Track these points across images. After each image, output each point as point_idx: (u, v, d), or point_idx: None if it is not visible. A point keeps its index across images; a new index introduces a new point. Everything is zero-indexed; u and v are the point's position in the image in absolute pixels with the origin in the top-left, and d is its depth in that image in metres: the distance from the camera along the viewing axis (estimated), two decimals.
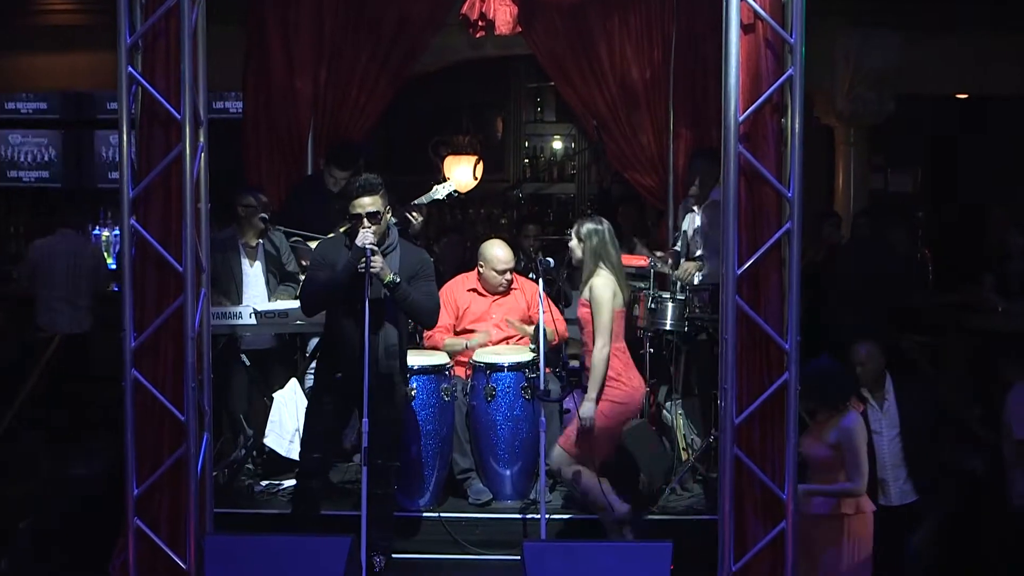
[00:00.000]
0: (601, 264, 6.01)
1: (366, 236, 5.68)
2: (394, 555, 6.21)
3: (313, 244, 6.86)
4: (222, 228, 7.25)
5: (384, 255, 5.82)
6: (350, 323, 5.78)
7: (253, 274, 7.18)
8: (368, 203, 5.75)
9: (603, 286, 5.95)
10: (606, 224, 6.11)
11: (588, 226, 6.07)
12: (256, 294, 7.11)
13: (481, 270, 7.18)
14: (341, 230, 6.61)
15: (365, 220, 5.73)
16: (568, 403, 6.78)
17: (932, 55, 10.23)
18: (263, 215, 7.09)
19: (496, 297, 7.19)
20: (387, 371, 5.89)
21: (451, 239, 9.73)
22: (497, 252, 7.12)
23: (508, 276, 7.16)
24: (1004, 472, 6.79)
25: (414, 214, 6.89)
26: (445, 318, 7.14)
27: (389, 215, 5.92)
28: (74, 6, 10.57)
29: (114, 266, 10.94)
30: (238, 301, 6.97)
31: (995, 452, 6.91)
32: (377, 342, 5.81)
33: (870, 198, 11.15)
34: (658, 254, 7.55)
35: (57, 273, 9.45)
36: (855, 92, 10.31)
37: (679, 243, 7.45)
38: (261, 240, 7.19)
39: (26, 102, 12.99)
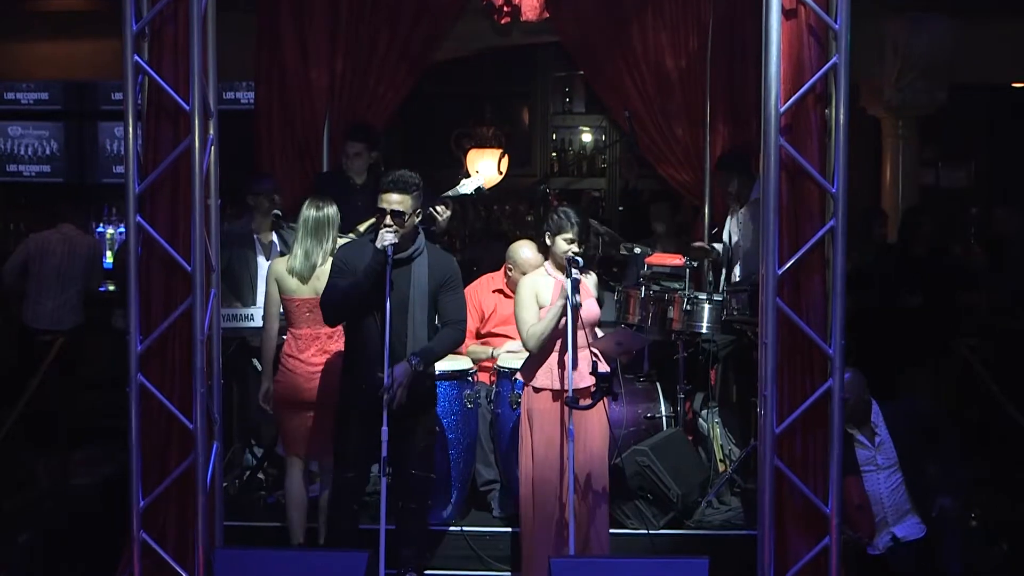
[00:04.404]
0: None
1: (386, 236, 5.56)
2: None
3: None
4: (235, 219, 7.25)
5: (411, 261, 5.73)
6: (375, 330, 5.66)
7: None
8: (396, 200, 5.59)
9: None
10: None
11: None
12: None
13: (509, 272, 7.17)
14: (361, 228, 6.59)
15: (388, 217, 5.59)
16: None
17: (986, 41, 10.13)
18: (276, 211, 7.08)
19: None
20: (420, 376, 5.76)
21: (489, 244, 9.73)
22: (527, 255, 7.09)
23: None
24: None
25: (439, 209, 6.74)
26: (469, 322, 7.16)
27: (418, 219, 5.76)
28: None
29: (110, 265, 11.00)
30: (253, 301, 6.96)
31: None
32: (406, 346, 5.72)
33: (920, 194, 11.08)
34: (695, 245, 7.49)
35: (47, 269, 9.49)
36: (904, 81, 10.23)
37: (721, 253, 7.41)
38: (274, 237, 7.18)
39: (26, 92, 13.06)
